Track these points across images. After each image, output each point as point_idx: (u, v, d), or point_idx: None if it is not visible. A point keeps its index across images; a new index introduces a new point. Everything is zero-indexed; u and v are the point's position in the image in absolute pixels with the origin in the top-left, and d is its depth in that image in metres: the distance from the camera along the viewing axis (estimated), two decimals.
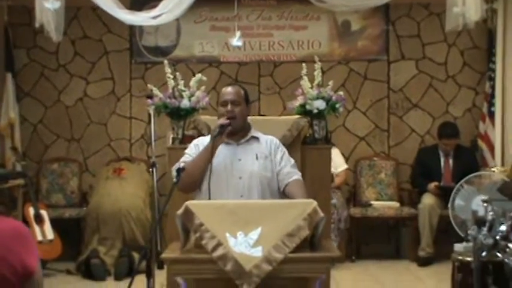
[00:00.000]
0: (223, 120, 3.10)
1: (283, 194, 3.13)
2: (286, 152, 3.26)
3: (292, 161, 3.24)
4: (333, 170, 5.06)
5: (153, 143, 4.62)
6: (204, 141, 3.20)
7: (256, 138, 3.23)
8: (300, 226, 2.61)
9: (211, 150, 3.05)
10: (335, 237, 5.49)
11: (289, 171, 3.17)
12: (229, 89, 3.24)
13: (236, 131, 3.17)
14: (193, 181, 3.09)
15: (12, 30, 6.19)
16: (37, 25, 4.99)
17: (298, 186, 3.12)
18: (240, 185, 3.08)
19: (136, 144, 6.48)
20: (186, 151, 3.24)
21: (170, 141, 4.69)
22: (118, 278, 5.31)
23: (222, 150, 3.14)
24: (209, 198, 3.01)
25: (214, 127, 3.11)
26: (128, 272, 5.33)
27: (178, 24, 6.28)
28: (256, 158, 3.14)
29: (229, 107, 3.15)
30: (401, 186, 6.36)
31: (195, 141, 3.27)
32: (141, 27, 6.27)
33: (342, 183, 6.08)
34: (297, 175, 3.18)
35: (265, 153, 3.18)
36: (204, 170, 3.06)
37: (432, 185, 5.85)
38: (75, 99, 6.44)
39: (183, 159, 3.18)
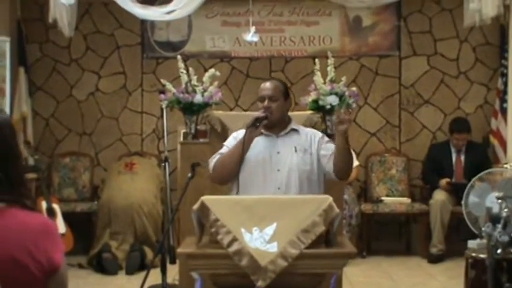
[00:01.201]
0: (259, 114, 3.11)
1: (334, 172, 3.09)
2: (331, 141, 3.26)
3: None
4: None
5: (165, 138, 4.64)
6: (243, 133, 3.20)
7: (296, 131, 3.22)
8: (316, 222, 2.61)
9: (243, 142, 3.05)
10: (346, 233, 5.49)
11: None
12: (267, 84, 3.23)
13: (274, 125, 3.17)
14: (228, 173, 3.11)
15: (25, 25, 6.21)
16: (50, 20, 5.02)
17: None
18: (278, 177, 3.09)
19: (148, 139, 6.50)
20: (225, 143, 3.27)
21: (181, 136, 4.71)
22: (129, 272, 5.33)
23: (261, 143, 3.15)
24: (238, 190, 3.03)
25: (250, 119, 3.10)
26: (139, 266, 5.35)
27: (189, 19, 6.27)
28: (295, 150, 3.14)
29: (266, 102, 3.14)
30: (412, 182, 6.35)
31: (234, 134, 3.28)
32: (152, 22, 6.28)
33: (353, 179, 6.07)
34: None
35: (305, 146, 3.16)
36: (238, 162, 3.06)
37: (443, 181, 5.84)
38: (87, 93, 6.46)
39: (221, 150, 3.21)
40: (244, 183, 3.06)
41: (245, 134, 3.05)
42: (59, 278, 1.39)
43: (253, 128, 3.06)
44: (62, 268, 1.39)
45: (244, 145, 3.05)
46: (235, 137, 3.23)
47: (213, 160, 3.17)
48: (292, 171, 3.09)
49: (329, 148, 3.16)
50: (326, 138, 3.26)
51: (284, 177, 3.08)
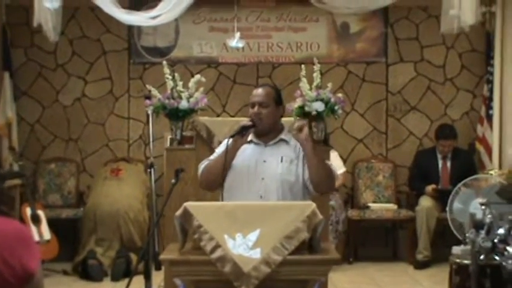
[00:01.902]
0: (245, 122, 3.07)
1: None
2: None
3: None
4: None
5: (151, 144, 4.62)
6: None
7: (285, 141, 3.16)
8: (299, 228, 2.59)
9: (226, 149, 3.02)
10: (333, 239, 5.49)
11: None
12: (259, 90, 3.18)
13: (264, 133, 3.13)
14: (213, 179, 3.09)
15: (10, 29, 6.17)
16: (35, 24, 4.98)
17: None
18: (261, 185, 3.05)
19: (134, 145, 6.47)
20: (216, 149, 3.26)
21: (168, 142, 4.69)
22: (115, 279, 5.30)
23: (249, 151, 3.12)
24: (222, 197, 3.02)
25: (237, 127, 3.07)
26: (125, 273, 5.31)
27: (177, 24, 6.27)
28: (281, 160, 3.09)
29: (256, 109, 3.10)
30: (399, 188, 6.36)
31: (225, 140, 3.21)
32: (139, 28, 6.26)
33: (340, 185, 6.07)
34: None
35: (292, 156, 3.11)
36: (222, 170, 3.03)
37: (430, 188, 5.85)
38: (73, 99, 6.42)
39: (211, 156, 3.20)
40: (229, 190, 3.05)
41: (228, 143, 3.04)
42: (34, 284, 1.38)
43: (239, 136, 3.04)
44: (37, 275, 1.38)
45: (228, 154, 3.02)
46: (225, 143, 3.21)
47: (201, 166, 3.16)
48: (275, 180, 3.06)
49: None
50: None
51: (267, 185, 3.06)
